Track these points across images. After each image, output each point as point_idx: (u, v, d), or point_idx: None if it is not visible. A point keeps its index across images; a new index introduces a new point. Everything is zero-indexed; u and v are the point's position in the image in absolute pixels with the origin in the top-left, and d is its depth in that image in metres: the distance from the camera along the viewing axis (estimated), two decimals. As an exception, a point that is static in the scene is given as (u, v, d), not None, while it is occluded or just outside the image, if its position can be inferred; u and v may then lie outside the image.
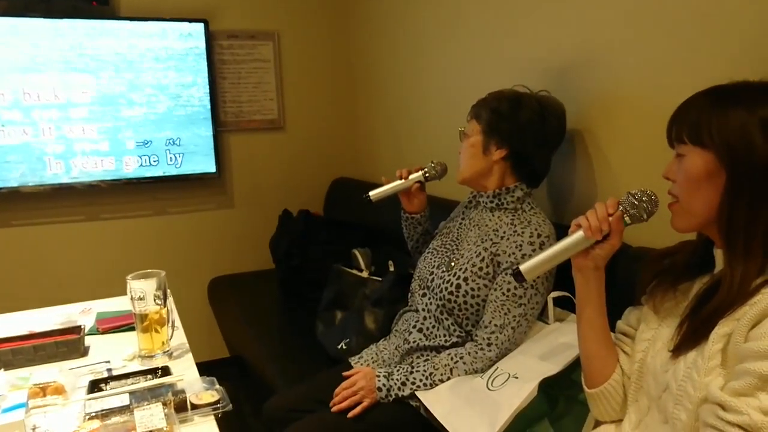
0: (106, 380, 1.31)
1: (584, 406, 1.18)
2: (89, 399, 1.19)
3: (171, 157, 2.90)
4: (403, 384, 1.48)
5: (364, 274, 2.19)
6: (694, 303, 0.95)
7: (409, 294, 1.76)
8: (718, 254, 0.96)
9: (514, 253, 1.47)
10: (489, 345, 1.47)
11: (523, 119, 1.54)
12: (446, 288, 1.55)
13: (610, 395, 1.10)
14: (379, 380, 1.50)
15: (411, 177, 1.77)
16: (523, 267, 1.10)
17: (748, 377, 0.80)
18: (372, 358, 1.71)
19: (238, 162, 3.12)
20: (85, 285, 2.75)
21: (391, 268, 2.09)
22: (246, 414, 2.61)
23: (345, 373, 1.57)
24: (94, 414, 1.12)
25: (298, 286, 2.67)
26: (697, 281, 1.00)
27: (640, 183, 1.10)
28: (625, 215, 1.06)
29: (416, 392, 1.46)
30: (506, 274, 1.47)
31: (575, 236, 1.08)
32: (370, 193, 1.76)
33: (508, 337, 1.46)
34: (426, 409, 1.43)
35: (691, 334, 0.92)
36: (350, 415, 1.46)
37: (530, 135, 1.54)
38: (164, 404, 1.12)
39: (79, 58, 2.67)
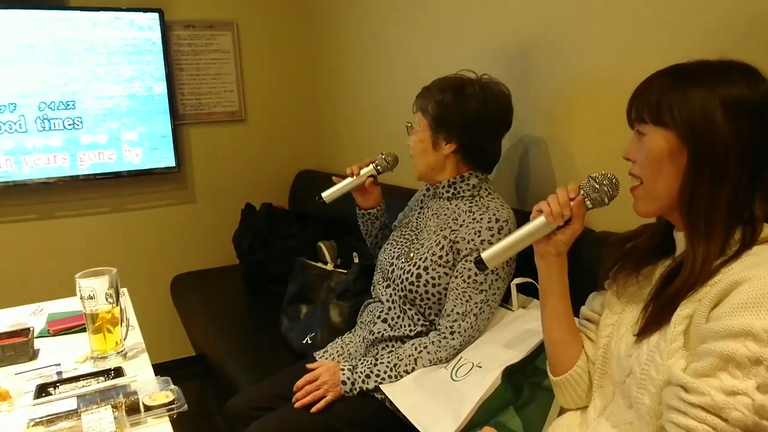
0: (55, 384, 1.25)
1: (549, 393, 1.17)
2: (35, 404, 1.14)
3: (128, 152, 2.81)
4: (368, 377, 1.45)
5: (329, 267, 2.16)
6: (657, 286, 0.94)
7: (372, 285, 1.73)
8: (679, 237, 0.96)
9: (473, 240, 1.45)
10: (452, 333, 1.45)
11: (468, 110, 1.51)
12: (407, 278, 1.53)
13: (575, 382, 1.10)
14: (343, 374, 1.47)
15: (363, 172, 1.72)
16: (484, 255, 1.08)
17: (710, 358, 0.79)
18: (338, 351, 1.68)
19: (199, 156, 3.05)
20: (41, 286, 2.64)
21: (356, 260, 2.06)
22: (212, 413, 2.56)
23: (309, 366, 1.54)
24: (38, 420, 1.06)
25: (263, 281, 2.63)
26: (660, 264, 1.00)
27: (603, 166, 1.08)
28: (586, 199, 1.05)
29: (380, 385, 1.44)
30: (467, 261, 1.45)
31: (536, 222, 1.06)
32: (323, 195, 1.72)
33: (471, 324, 1.44)
34: (391, 402, 1.41)
35: (654, 317, 0.92)
36: (314, 409, 1.43)
37: (477, 126, 1.52)
38: (115, 407, 1.07)
39: (29, 50, 2.56)
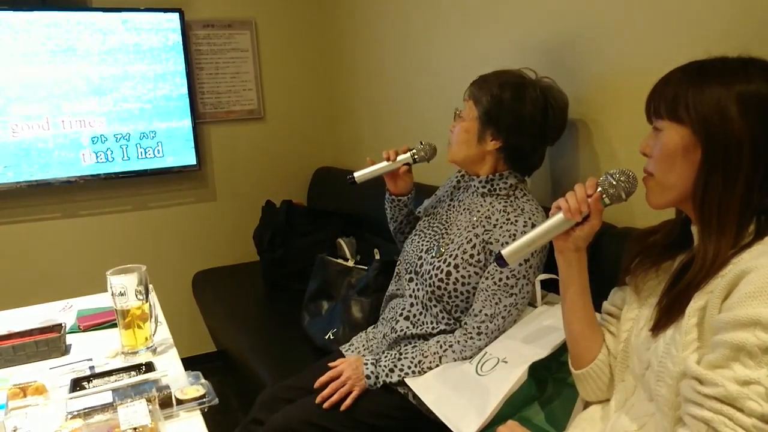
0: (88, 378, 1.29)
1: (574, 389, 1.18)
2: (71, 398, 1.17)
3: (150, 151, 2.85)
4: (391, 371, 1.47)
5: (350, 263, 2.18)
6: (670, 280, 0.95)
7: (395, 276, 1.73)
8: (695, 230, 0.96)
9: (507, 242, 1.41)
10: (479, 334, 1.45)
11: (524, 113, 1.46)
12: (436, 275, 1.52)
13: (596, 375, 1.11)
14: (366, 368, 1.48)
15: (399, 159, 1.69)
16: (505, 251, 1.10)
17: (722, 349, 0.80)
18: (363, 345, 1.70)
19: (219, 154, 3.08)
20: (65, 283, 2.72)
21: (377, 256, 2.08)
22: (233, 408, 2.59)
23: (330, 364, 1.55)
24: (76, 413, 1.10)
25: (283, 278, 2.66)
26: (678, 259, 1.01)
27: (639, 163, 1.08)
28: (604, 195, 1.06)
29: (405, 379, 1.45)
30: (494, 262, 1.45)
31: (555, 218, 1.08)
32: (355, 175, 1.69)
33: (498, 326, 1.44)
34: (415, 396, 1.43)
35: (667, 310, 0.93)
36: (343, 407, 1.44)
37: (529, 131, 1.48)
38: (148, 401, 1.10)
39: (50, 51, 2.60)
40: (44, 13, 2.57)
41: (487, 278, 1.46)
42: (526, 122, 1.47)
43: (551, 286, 1.46)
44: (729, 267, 0.85)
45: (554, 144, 1.58)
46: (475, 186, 1.57)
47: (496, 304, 1.44)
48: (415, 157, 1.70)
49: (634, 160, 1.08)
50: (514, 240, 1.40)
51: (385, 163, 1.70)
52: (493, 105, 1.48)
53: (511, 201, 1.51)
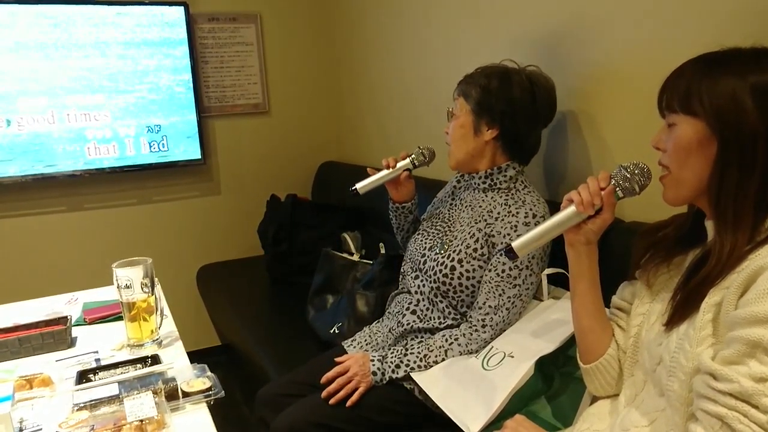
0: (94, 371, 1.28)
1: (581, 384, 1.17)
2: (77, 390, 1.17)
3: (155, 145, 2.85)
4: (398, 366, 1.47)
5: (355, 258, 2.18)
6: (685, 275, 0.94)
7: (401, 276, 1.73)
8: (710, 225, 0.95)
9: (509, 234, 1.44)
10: (484, 326, 1.45)
11: (513, 97, 1.49)
12: (440, 270, 1.52)
13: (605, 370, 1.10)
14: (373, 364, 1.48)
15: (399, 165, 1.70)
16: (515, 244, 1.09)
17: (738, 345, 0.79)
18: (365, 340, 1.69)
19: (224, 148, 3.08)
20: (71, 276, 2.72)
21: (382, 251, 2.07)
22: (238, 402, 2.60)
23: (337, 359, 1.55)
24: (82, 405, 1.09)
25: (288, 272, 2.65)
26: (690, 254, 1.00)
27: (635, 156, 1.08)
28: (617, 189, 1.05)
29: (411, 374, 1.45)
30: (500, 254, 1.44)
31: (567, 211, 1.07)
32: (357, 186, 1.70)
33: (503, 318, 1.44)
34: (421, 391, 1.42)
35: (682, 305, 0.92)
36: (349, 403, 1.44)
37: (522, 113, 1.50)
38: (154, 393, 1.10)
39: (54, 44, 2.60)
40: (49, 6, 2.57)
41: (490, 270, 1.46)
42: (517, 105, 1.50)
43: (557, 280, 1.46)
44: (746, 263, 0.84)
45: (547, 126, 1.60)
46: (475, 183, 1.58)
47: (500, 295, 1.44)
48: (415, 162, 1.70)
49: (633, 151, 1.08)
50: (516, 231, 1.41)
51: (385, 171, 1.70)
52: (483, 95, 1.51)
53: (512, 194, 1.52)
